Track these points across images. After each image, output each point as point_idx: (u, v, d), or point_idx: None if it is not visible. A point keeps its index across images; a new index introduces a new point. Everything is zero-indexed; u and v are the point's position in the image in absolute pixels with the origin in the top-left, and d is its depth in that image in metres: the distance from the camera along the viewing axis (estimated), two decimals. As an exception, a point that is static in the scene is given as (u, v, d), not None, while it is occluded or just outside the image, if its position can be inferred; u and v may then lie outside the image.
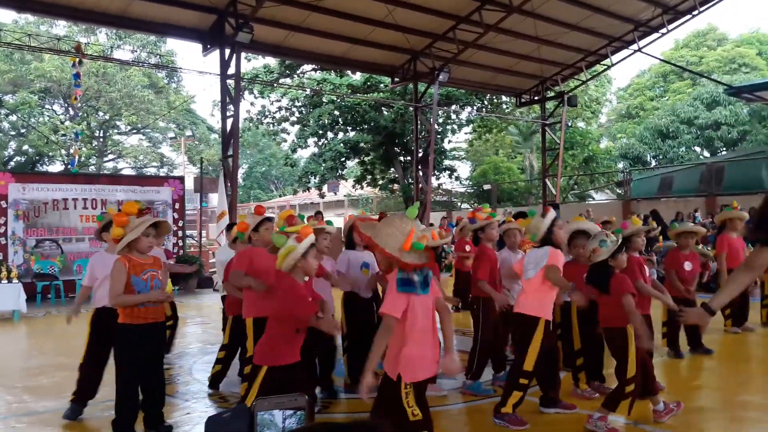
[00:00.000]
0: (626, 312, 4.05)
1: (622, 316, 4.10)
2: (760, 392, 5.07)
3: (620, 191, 25.37)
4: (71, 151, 26.02)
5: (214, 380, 5.37)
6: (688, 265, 6.12)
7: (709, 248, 11.81)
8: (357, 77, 23.17)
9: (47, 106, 31.34)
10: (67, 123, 29.33)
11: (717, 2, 16.28)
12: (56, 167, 30.94)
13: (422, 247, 2.88)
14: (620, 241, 4.20)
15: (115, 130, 34.19)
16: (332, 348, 5.03)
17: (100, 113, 31.88)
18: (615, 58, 18.40)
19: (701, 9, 16.39)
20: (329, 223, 5.22)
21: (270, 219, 4.79)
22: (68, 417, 4.57)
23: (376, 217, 5.43)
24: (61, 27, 29.26)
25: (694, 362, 6.02)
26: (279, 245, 3.57)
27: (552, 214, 4.49)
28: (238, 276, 4.66)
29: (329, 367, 5.04)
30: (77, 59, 14.84)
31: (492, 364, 5.38)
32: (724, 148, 30.54)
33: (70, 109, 30.37)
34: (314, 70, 23.51)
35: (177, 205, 14.13)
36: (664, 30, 17.22)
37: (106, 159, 33.95)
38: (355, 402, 4.91)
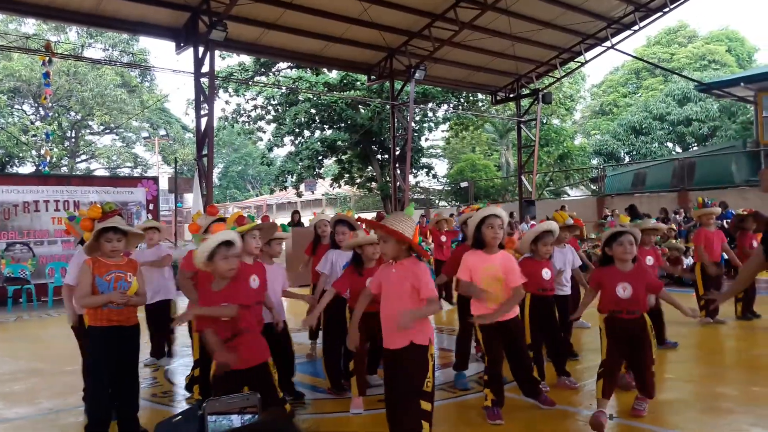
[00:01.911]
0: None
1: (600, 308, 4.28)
2: (733, 384, 5.17)
3: (595, 187, 25.69)
4: (42, 151, 25.57)
5: (191, 384, 5.26)
6: (649, 260, 6.24)
7: (680, 241, 12.05)
8: (333, 75, 23.11)
9: (17, 106, 30.74)
10: (38, 123, 28.81)
11: (687, 0, 16.56)
12: (27, 168, 30.40)
13: (422, 242, 3.40)
14: (614, 232, 4.23)
15: (88, 130, 33.69)
16: (291, 354, 4.81)
17: (72, 113, 31.36)
18: (588, 55, 18.62)
19: (672, 6, 16.67)
20: (284, 228, 5.01)
21: (223, 220, 4.71)
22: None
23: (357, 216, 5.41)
24: (30, 25, 28.73)
25: (665, 355, 6.11)
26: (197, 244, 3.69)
27: (485, 212, 4.18)
28: (182, 276, 4.64)
29: (289, 372, 4.79)
30: (47, 58, 14.56)
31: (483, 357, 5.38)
32: (696, 144, 31.13)
33: (40, 109, 29.81)
34: (290, 68, 23.39)
35: (151, 206, 13.94)
36: (636, 27, 17.48)
37: (78, 160, 33.42)
38: (334, 402, 4.89)
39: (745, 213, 8.22)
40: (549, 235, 4.90)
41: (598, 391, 4.11)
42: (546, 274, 4.94)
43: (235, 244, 3.57)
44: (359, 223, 5.13)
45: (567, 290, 5.73)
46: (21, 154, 29.76)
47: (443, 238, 9.74)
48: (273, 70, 23.52)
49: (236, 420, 2.96)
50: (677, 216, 14.91)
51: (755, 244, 7.97)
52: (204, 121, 13.06)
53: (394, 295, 3.43)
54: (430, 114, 26.25)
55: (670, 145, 32.99)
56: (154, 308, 6.10)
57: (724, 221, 13.10)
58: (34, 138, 28.33)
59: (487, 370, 4.30)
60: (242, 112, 24.26)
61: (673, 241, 11.95)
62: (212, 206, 4.96)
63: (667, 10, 16.83)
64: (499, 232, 4.10)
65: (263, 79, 23.00)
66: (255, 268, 4.18)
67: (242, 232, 4.10)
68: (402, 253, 3.41)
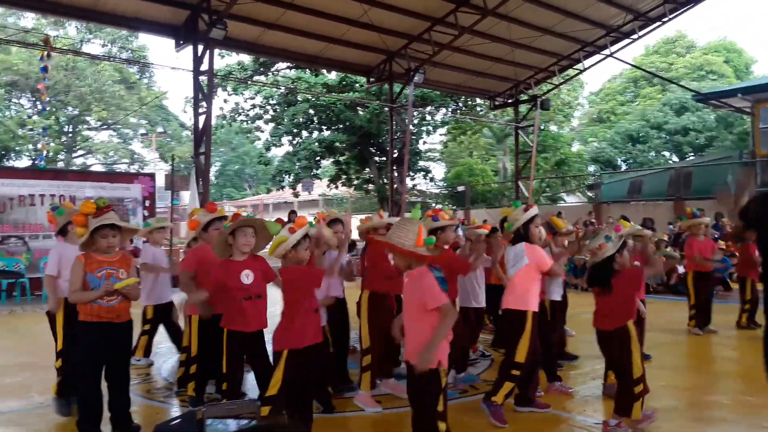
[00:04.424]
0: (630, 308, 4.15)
1: (623, 315, 4.10)
2: (726, 393, 5.18)
3: (591, 194, 25.72)
4: (39, 146, 25.54)
5: (182, 382, 5.23)
6: (636, 264, 6.18)
7: (676, 251, 12.07)
8: (332, 76, 23.10)
9: (14, 100, 30.62)
10: (35, 117, 28.69)
11: (686, 10, 16.63)
12: (23, 162, 30.27)
13: (433, 242, 3.27)
14: (623, 238, 4.18)
15: (85, 126, 33.57)
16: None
17: (70, 108, 31.25)
18: (587, 62, 18.67)
19: (671, 16, 16.73)
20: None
21: (221, 218, 4.69)
22: (63, 413, 4.53)
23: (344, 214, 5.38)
24: (29, 19, 28.63)
25: (660, 362, 6.13)
26: (274, 233, 3.83)
27: (534, 210, 4.51)
28: (183, 276, 4.64)
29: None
30: (45, 52, 14.51)
31: (455, 365, 5.32)
32: (692, 153, 31.22)
33: (38, 103, 29.71)
34: (289, 68, 23.38)
35: (147, 203, 13.90)
36: (635, 36, 17.53)
37: (75, 155, 33.31)
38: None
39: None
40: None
41: (637, 412, 3.98)
42: None
43: (309, 236, 3.87)
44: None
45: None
46: (18, 148, 29.64)
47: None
48: (272, 69, 23.50)
49: (232, 424, 2.96)
50: (671, 227, 14.93)
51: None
52: (202, 119, 13.03)
53: (406, 308, 3.36)
54: (428, 117, 26.27)
55: (666, 154, 33.09)
56: (164, 307, 6.15)
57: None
58: (31, 132, 28.24)
59: (523, 366, 4.29)
60: (240, 111, 24.22)
61: (668, 249, 11.98)
62: (212, 203, 4.96)
63: (666, 19, 16.90)
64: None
65: (262, 78, 22.98)
66: (247, 264, 4.14)
67: (233, 229, 4.08)
68: (413, 262, 3.26)
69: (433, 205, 30.52)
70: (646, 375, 4.01)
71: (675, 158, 32.17)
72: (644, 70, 30.65)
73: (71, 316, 4.51)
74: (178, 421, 3.41)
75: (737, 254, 9.09)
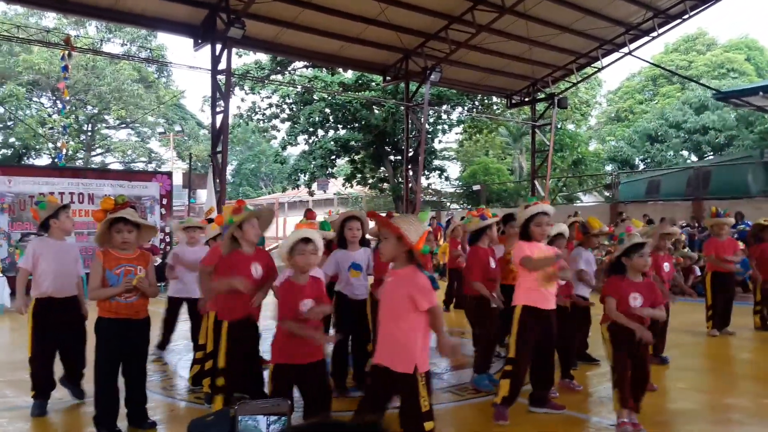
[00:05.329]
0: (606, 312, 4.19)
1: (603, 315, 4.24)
2: (745, 395, 5.11)
3: (608, 194, 25.50)
4: (59, 144, 25.82)
5: (196, 379, 5.25)
6: (666, 266, 6.10)
7: (694, 252, 11.94)
8: (349, 75, 23.14)
9: (35, 99, 31.04)
10: (55, 116, 29.07)
11: (707, 7, 16.40)
12: (43, 161, 30.69)
13: (428, 251, 3.33)
14: (634, 241, 4.15)
15: (104, 124, 33.95)
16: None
17: (89, 107, 31.62)
18: (605, 60, 18.48)
19: (692, 13, 16.50)
20: (326, 226, 5.26)
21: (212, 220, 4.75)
22: (36, 414, 4.51)
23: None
24: (50, 19, 29.01)
25: (679, 364, 6.06)
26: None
27: (535, 208, 4.46)
28: (202, 271, 4.67)
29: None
30: (66, 52, 14.68)
31: (474, 365, 5.36)
32: (712, 153, 30.80)
33: (58, 102, 30.10)
34: (306, 67, 23.45)
35: (165, 201, 14.02)
36: (654, 33, 17.32)
37: (94, 153, 33.69)
38: (336, 402, 4.89)
39: (766, 223, 8.09)
40: (561, 237, 4.97)
41: (615, 403, 4.09)
42: None
43: (313, 241, 3.62)
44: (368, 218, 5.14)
45: None
46: (38, 146, 30.06)
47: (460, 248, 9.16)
48: (289, 69, 23.58)
49: (262, 421, 2.99)
50: (687, 228, 14.77)
51: None
52: (219, 118, 13.12)
53: (387, 308, 3.24)
54: (444, 116, 26.20)
55: (685, 153, 32.68)
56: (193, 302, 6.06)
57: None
58: (51, 131, 28.61)
59: (514, 361, 4.30)
60: (257, 110, 24.35)
61: (685, 249, 11.86)
62: (240, 201, 5.01)
63: (686, 17, 16.67)
64: (546, 228, 4.55)
65: (279, 77, 23.06)
66: (256, 257, 4.17)
67: (240, 221, 4.11)
68: (401, 257, 3.19)
69: (448, 204, 30.44)
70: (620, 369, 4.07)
71: (694, 157, 31.77)
72: (663, 68, 30.30)
73: (41, 321, 4.51)
74: (211, 418, 3.46)
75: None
